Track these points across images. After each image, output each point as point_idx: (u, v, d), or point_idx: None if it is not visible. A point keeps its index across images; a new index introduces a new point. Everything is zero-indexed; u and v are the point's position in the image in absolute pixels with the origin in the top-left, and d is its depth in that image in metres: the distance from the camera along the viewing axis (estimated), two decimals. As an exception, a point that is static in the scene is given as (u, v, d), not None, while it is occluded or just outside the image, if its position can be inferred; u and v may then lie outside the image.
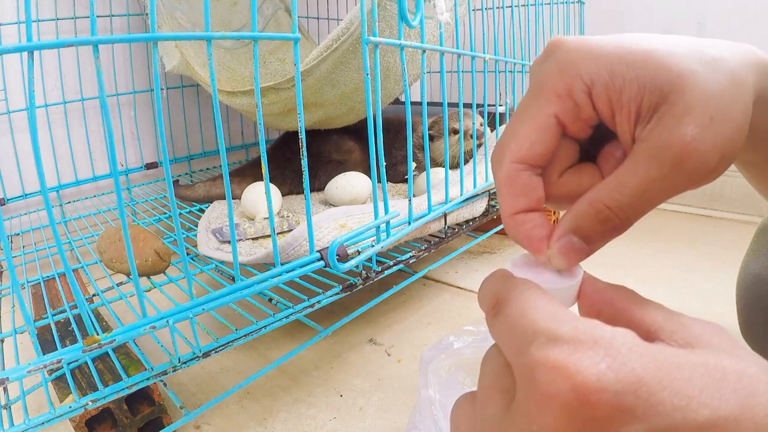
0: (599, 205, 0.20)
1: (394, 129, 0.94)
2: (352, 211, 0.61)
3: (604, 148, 0.23)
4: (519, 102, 0.24)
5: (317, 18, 1.35)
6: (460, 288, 0.86)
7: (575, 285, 0.21)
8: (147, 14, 1.03)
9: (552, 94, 0.21)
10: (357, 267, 0.56)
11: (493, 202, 0.78)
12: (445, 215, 0.68)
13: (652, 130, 0.20)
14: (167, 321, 0.41)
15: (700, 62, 0.20)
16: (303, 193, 0.48)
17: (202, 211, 0.89)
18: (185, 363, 0.46)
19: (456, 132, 0.88)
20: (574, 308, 0.21)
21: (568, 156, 0.23)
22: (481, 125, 0.87)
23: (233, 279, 0.47)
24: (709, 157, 0.19)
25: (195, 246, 0.73)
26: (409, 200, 0.57)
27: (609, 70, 0.20)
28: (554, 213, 0.99)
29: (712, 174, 0.20)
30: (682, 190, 0.20)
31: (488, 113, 0.84)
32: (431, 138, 0.90)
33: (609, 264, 0.90)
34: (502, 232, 0.97)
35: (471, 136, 0.86)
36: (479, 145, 0.84)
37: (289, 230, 0.73)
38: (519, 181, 0.22)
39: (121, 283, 0.69)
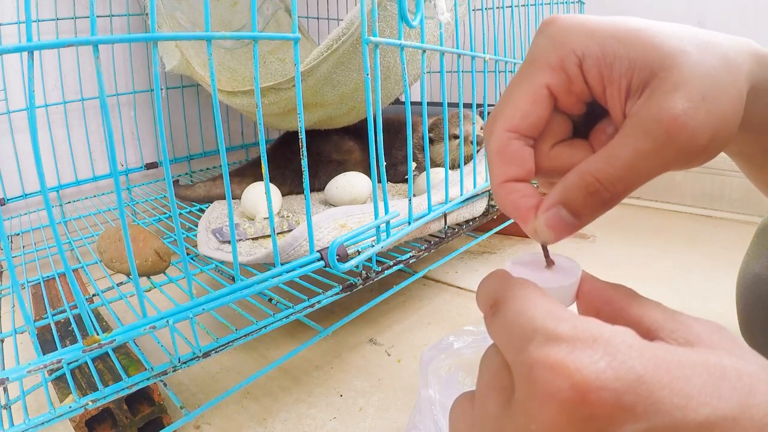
0: (589, 177, 0.20)
1: (394, 129, 0.94)
2: (352, 211, 0.61)
3: (596, 126, 0.23)
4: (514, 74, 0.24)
5: (317, 18, 1.35)
6: (460, 288, 0.86)
7: (574, 284, 0.21)
8: (147, 14, 1.03)
9: (545, 66, 0.21)
10: (357, 267, 0.56)
11: (493, 202, 0.78)
12: (445, 215, 0.68)
13: (642, 105, 0.20)
14: (167, 321, 0.41)
15: (692, 44, 0.20)
16: (303, 193, 0.48)
17: (202, 211, 0.89)
18: (185, 363, 0.46)
19: (456, 137, 0.88)
20: (573, 307, 0.21)
21: (560, 130, 0.23)
22: (482, 129, 0.87)
23: (233, 279, 0.47)
24: (700, 134, 0.19)
25: (195, 246, 0.73)
26: (409, 200, 0.57)
27: (600, 44, 0.20)
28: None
29: (704, 154, 0.20)
30: (673, 167, 0.20)
31: (488, 114, 0.84)
32: (431, 141, 0.90)
33: (609, 263, 0.90)
34: (502, 232, 0.97)
35: (471, 142, 0.85)
36: (479, 150, 0.84)
37: (289, 230, 0.73)
38: (510, 150, 0.22)
39: (121, 283, 0.69)
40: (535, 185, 0.23)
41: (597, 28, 0.21)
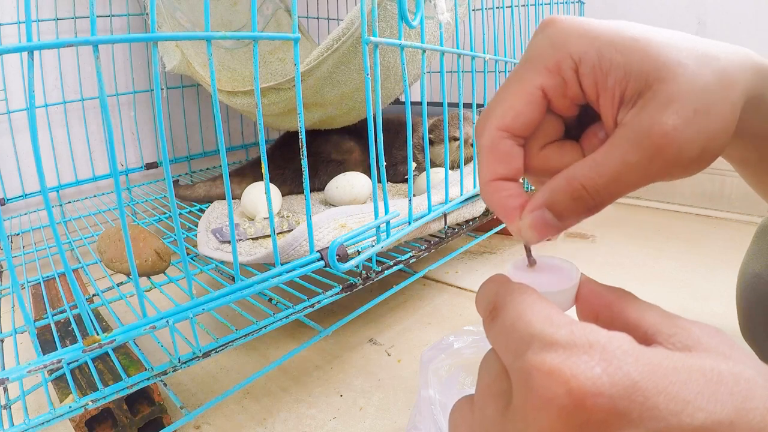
0: (575, 183, 0.20)
1: (394, 129, 0.94)
2: (352, 211, 0.61)
3: (588, 128, 0.23)
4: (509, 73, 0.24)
5: (317, 18, 1.35)
6: (460, 288, 0.86)
7: (572, 288, 0.21)
8: (147, 14, 1.03)
9: (541, 67, 0.21)
10: (357, 267, 0.56)
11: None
12: (445, 215, 0.68)
13: (634, 116, 0.20)
14: (167, 321, 0.41)
15: (690, 56, 0.20)
16: (303, 193, 0.48)
17: (202, 211, 0.89)
18: (185, 363, 0.46)
19: (456, 139, 0.88)
20: (572, 311, 0.21)
21: (552, 131, 0.23)
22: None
23: (233, 279, 0.47)
24: (689, 149, 0.19)
25: (195, 246, 0.73)
26: (409, 200, 0.57)
27: (598, 51, 0.20)
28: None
29: (692, 167, 0.20)
30: (660, 179, 0.20)
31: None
32: (431, 142, 0.90)
33: (609, 264, 0.90)
34: (502, 232, 0.97)
35: (471, 144, 0.85)
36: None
37: (289, 230, 0.73)
38: (500, 148, 0.22)
39: (121, 283, 0.69)
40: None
41: (596, 34, 0.21)
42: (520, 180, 0.23)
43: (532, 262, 0.23)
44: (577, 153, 0.22)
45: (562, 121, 0.23)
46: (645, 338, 0.18)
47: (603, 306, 0.20)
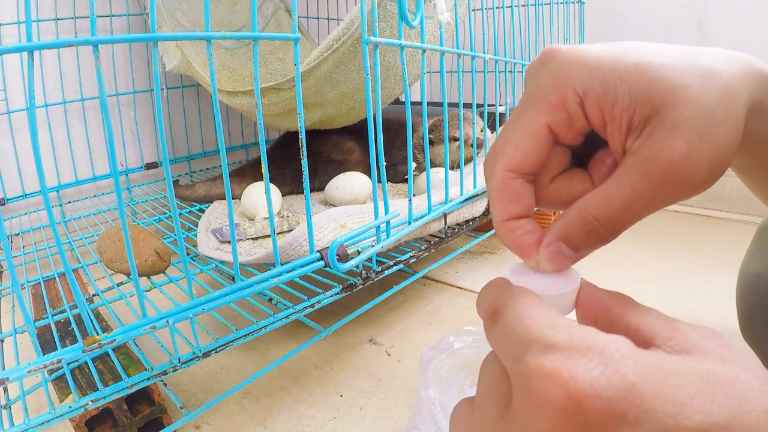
0: (587, 216, 0.21)
1: (394, 129, 0.94)
2: (352, 211, 0.61)
3: (595, 155, 0.23)
4: (513, 109, 0.24)
5: (317, 18, 1.35)
6: (460, 288, 0.86)
7: (573, 292, 0.21)
8: (147, 14, 1.03)
9: (545, 105, 0.21)
10: (357, 267, 0.56)
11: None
12: (445, 215, 0.68)
13: (642, 144, 0.20)
14: (167, 321, 0.41)
15: (693, 75, 0.20)
16: (303, 193, 0.48)
17: (202, 211, 0.89)
18: (185, 363, 0.46)
19: (456, 140, 0.88)
20: (572, 315, 0.21)
21: (559, 162, 0.23)
22: (482, 131, 0.87)
23: (233, 279, 0.47)
24: (697, 172, 0.19)
25: (195, 246, 0.73)
26: (409, 200, 0.57)
27: (602, 82, 0.20)
28: (554, 213, 0.99)
29: (700, 188, 0.20)
30: (670, 203, 0.20)
31: (488, 114, 0.84)
32: (431, 143, 0.90)
33: (609, 264, 0.90)
34: (502, 232, 0.96)
35: (471, 145, 0.85)
36: (479, 152, 0.84)
37: (289, 230, 0.73)
38: (511, 189, 0.22)
39: (121, 283, 0.69)
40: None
41: (598, 64, 0.21)
42: (533, 213, 0.23)
43: None
44: (587, 181, 0.23)
45: (569, 150, 0.23)
46: (643, 342, 0.18)
47: (602, 310, 0.20)
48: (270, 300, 0.59)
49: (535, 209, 0.23)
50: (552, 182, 0.23)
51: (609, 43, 0.21)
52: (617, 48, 0.21)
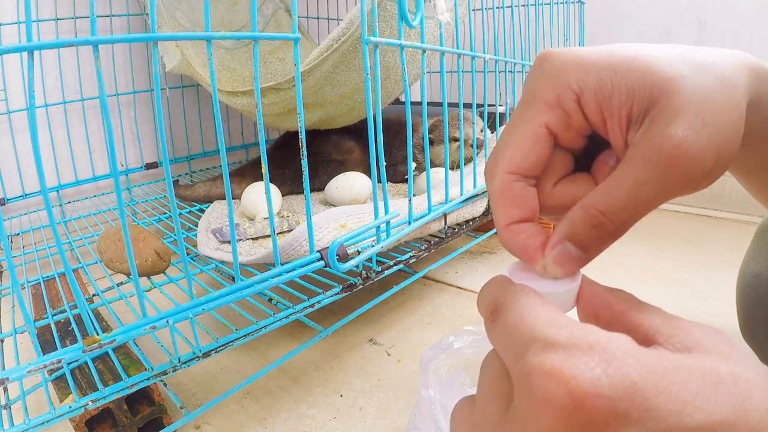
0: (593, 210, 0.20)
1: (394, 129, 0.94)
2: (352, 211, 0.61)
3: (598, 157, 0.23)
4: (511, 113, 0.24)
5: (317, 18, 1.35)
6: (460, 288, 0.86)
7: (573, 289, 0.21)
8: (147, 14, 1.03)
9: (542, 104, 0.21)
10: (357, 267, 0.56)
11: (493, 202, 0.78)
12: (445, 215, 0.68)
13: (643, 134, 0.19)
14: (167, 321, 0.41)
15: (689, 66, 0.20)
16: (303, 193, 0.48)
17: (202, 211, 0.89)
18: (185, 363, 0.46)
19: (456, 140, 0.88)
20: (573, 312, 0.21)
21: (562, 166, 0.23)
22: (482, 131, 0.87)
23: (233, 279, 0.47)
24: (703, 158, 0.19)
25: (195, 246, 0.73)
26: (409, 200, 0.57)
27: (597, 77, 0.20)
28: (553, 227, 0.99)
29: (708, 177, 0.19)
30: (677, 193, 0.20)
31: (488, 114, 0.84)
32: (431, 143, 0.90)
33: (609, 264, 0.90)
34: (502, 232, 0.96)
35: (471, 145, 0.85)
36: (479, 153, 0.84)
37: (289, 230, 0.73)
38: (512, 192, 0.22)
39: (121, 283, 0.69)
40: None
41: (592, 60, 0.21)
42: (537, 220, 0.23)
43: None
44: (590, 184, 0.22)
45: (571, 155, 0.23)
46: (645, 339, 0.18)
47: (603, 307, 0.20)
48: (270, 300, 0.59)
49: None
50: (555, 186, 0.23)
51: (602, 45, 0.21)
52: (610, 47, 0.21)
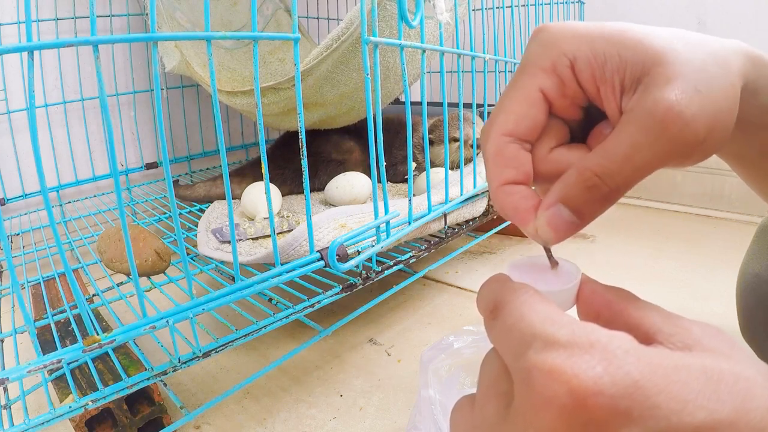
0: (587, 172, 0.20)
1: (394, 129, 0.94)
2: (352, 211, 0.61)
3: (594, 128, 0.23)
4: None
5: (317, 18, 1.35)
6: (460, 288, 0.86)
7: (573, 287, 0.21)
8: (147, 14, 1.03)
9: (537, 70, 0.22)
10: (357, 267, 0.56)
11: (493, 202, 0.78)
12: (445, 215, 0.68)
13: (637, 100, 0.20)
14: (167, 321, 0.41)
15: (681, 42, 0.20)
16: (303, 193, 0.48)
17: (202, 211, 0.89)
18: (185, 363, 0.46)
19: (456, 140, 0.88)
20: (573, 311, 0.21)
21: (557, 135, 0.23)
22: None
23: (233, 279, 0.47)
24: (696, 125, 0.19)
25: (195, 246, 0.73)
26: (409, 200, 0.57)
27: (590, 46, 0.21)
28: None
29: (701, 148, 0.20)
30: (671, 160, 0.20)
31: (488, 114, 0.84)
32: (431, 142, 0.90)
33: (609, 264, 0.90)
34: (502, 232, 0.97)
35: (471, 145, 0.85)
36: (479, 153, 0.84)
37: (289, 230, 0.73)
38: (506, 153, 0.22)
39: (121, 283, 0.69)
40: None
41: (586, 31, 0.21)
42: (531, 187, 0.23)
43: (553, 263, 0.23)
44: (586, 152, 0.22)
45: (567, 126, 0.23)
46: (646, 338, 0.18)
47: (604, 305, 0.20)
48: (270, 300, 0.59)
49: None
50: (550, 153, 0.23)
51: (597, 22, 0.22)
52: (603, 22, 0.22)
